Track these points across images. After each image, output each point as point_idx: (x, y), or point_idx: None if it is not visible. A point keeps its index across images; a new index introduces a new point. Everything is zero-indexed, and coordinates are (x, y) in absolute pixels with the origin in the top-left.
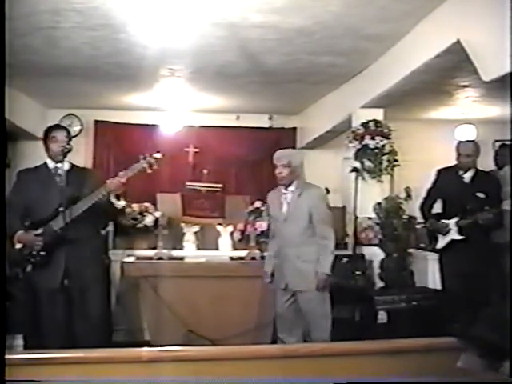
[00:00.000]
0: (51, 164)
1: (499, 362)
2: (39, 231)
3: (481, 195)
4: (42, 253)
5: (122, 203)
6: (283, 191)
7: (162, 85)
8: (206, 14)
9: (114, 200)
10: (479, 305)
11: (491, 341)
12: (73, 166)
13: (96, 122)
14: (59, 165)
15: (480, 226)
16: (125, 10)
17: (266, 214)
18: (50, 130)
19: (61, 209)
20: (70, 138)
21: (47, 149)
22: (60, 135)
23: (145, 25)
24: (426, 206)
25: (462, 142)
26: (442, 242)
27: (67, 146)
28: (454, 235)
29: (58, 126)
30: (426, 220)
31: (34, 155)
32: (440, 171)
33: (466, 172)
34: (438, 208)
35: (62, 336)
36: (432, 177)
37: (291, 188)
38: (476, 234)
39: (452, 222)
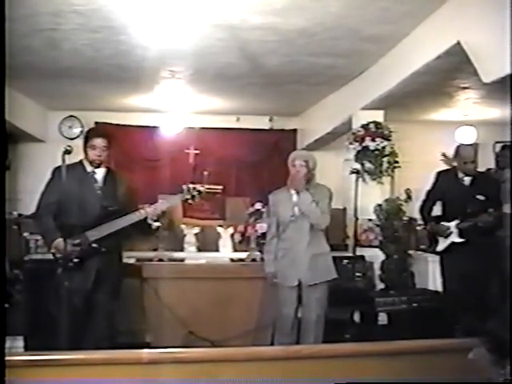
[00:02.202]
0: (89, 167)
1: (505, 360)
2: (76, 241)
3: (481, 197)
4: (75, 260)
5: (156, 224)
6: (293, 191)
7: (163, 86)
8: (206, 16)
9: (150, 221)
10: (480, 307)
11: (501, 337)
12: (109, 170)
13: (96, 123)
14: (97, 170)
15: (480, 229)
16: (125, 12)
17: (267, 215)
18: (89, 136)
19: (98, 219)
20: (108, 146)
21: (86, 154)
22: (99, 143)
23: (145, 27)
24: (425, 209)
25: (462, 146)
26: (442, 245)
27: (104, 154)
28: (455, 238)
29: (97, 134)
30: (425, 222)
31: (34, 157)
32: (439, 173)
33: (466, 175)
34: (437, 210)
35: (82, 337)
36: (431, 179)
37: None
38: (476, 236)
39: (452, 225)
